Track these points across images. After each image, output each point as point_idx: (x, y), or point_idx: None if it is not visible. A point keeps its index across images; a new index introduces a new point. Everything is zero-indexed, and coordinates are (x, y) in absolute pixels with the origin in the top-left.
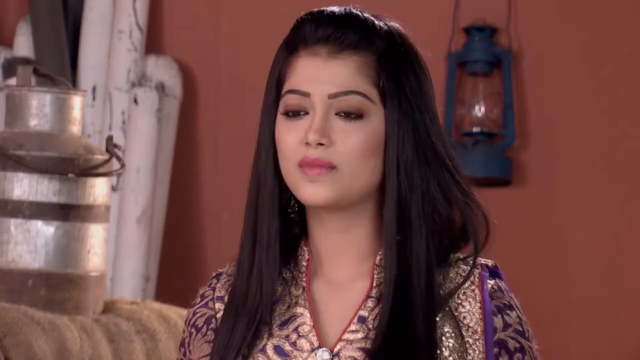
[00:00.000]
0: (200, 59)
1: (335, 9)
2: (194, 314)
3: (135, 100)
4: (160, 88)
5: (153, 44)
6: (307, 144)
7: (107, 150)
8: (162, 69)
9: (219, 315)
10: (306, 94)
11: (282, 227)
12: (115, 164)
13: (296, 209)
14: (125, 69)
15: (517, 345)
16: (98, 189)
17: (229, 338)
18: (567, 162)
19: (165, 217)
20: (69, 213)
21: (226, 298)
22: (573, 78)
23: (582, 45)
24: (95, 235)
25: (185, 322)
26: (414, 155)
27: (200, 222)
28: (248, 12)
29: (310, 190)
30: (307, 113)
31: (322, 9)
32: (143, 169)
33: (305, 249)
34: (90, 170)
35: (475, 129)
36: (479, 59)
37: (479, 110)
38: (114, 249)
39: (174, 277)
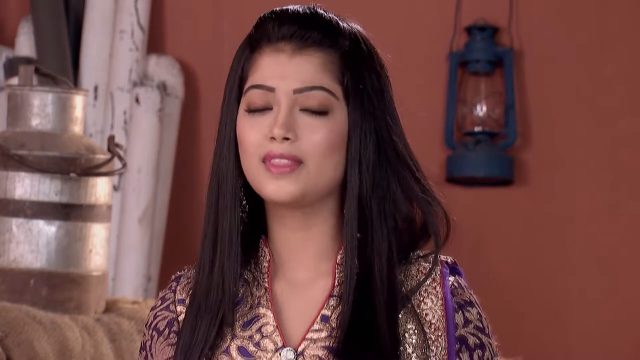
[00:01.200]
0: (202, 59)
1: (299, 7)
2: (155, 317)
3: (137, 100)
4: (162, 87)
5: (155, 43)
6: (272, 138)
7: (109, 150)
8: (163, 69)
9: (180, 317)
10: (271, 89)
11: (244, 226)
12: (116, 164)
13: (246, 209)
14: (127, 69)
15: (477, 341)
16: (100, 189)
17: (192, 338)
18: (568, 162)
19: (166, 216)
20: (70, 213)
21: (187, 301)
22: (574, 78)
23: (583, 45)
24: (97, 234)
25: (146, 325)
26: (375, 153)
27: (202, 221)
28: (249, 12)
29: (274, 187)
30: (270, 109)
31: (285, 7)
32: (145, 169)
33: (265, 249)
34: (91, 170)
35: (477, 129)
36: (480, 58)
37: (481, 110)
38: (116, 248)
39: None
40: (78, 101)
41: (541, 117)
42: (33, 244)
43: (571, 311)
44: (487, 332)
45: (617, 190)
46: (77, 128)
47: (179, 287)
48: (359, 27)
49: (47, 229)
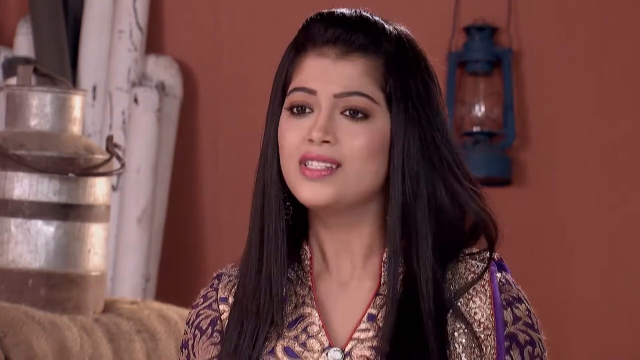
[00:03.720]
0: (201, 59)
1: (346, 10)
2: (197, 315)
3: (136, 100)
4: (161, 87)
5: (153, 43)
6: (311, 140)
7: (108, 150)
8: (162, 69)
9: (223, 316)
10: (312, 92)
11: (288, 228)
12: (115, 164)
13: (291, 210)
14: (126, 69)
15: (527, 338)
16: (98, 189)
17: (239, 340)
18: (567, 162)
19: (165, 216)
20: (69, 213)
21: (230, 299)
22: (573, 78)
23: (582, 45)
24: (96, 234)
25: (188, 323)
26: (420, 161)
27: (201, 221)
28: (248, 12)
29: (308, 190)
30: (312, 111)
31: (332, 10)
32: (143, 169)
33: (306, 247)
34: (90, 170)
35: (476, 129)
36: (479, 58)
37: (479, 110)
38: (114, 248)
39: (174, 277)
40: (76, 101)
41: (540, 117)
42: (31, 244)
43: (571, 311)
44: (536, 327)
45: (617, 190)
46: (75, 128)
47: (220, 285)
48: (406, 31)
49: (45, 229)
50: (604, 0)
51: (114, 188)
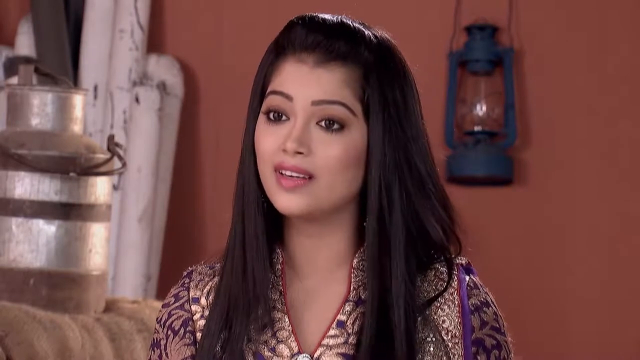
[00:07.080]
0: (202, 58)
1: (328, 16)
2: (170, 315)
3: (137, 99)
4: (162, 87)
5: (154, 43)
6: (285, 151)
7: (109, 149)
8: (163, 68)
9: (195, 317)
10: (289, 97)
11: (267, 229)
12: (116, 163)
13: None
14: (127, 68)
15: (494, 342)
16: (99, 188)
17: (231, 334)
18: (568, 162)
19: (166, 216)
20: (70, 212)
21: (202, 299)
22: (574, 77)
23: (583, 45)
24: (97, 234)
25: (159, 321)
26: (395, 172)
27: (202, 221)
28: (249, 11)
29: (284, 200)
30: (287, 119)
31: (314, 14)
32: (144, 168)
33: (278, 251)
34: (91, 169)
35: (477, 128)
36: (480, 58)
37: (480, 110)
38: (115, 248)
39: (175, 276)
40: (78, 100)
41: (541, 116)
42: (33, 243)
43: (571, 311)
44: (502, 330)
45: (617, 189)
46: (76, 127)
47: (192, 284)
48: (387, 38)
49: (46, 229)
50: (604, 0)
51: (115, 187)
